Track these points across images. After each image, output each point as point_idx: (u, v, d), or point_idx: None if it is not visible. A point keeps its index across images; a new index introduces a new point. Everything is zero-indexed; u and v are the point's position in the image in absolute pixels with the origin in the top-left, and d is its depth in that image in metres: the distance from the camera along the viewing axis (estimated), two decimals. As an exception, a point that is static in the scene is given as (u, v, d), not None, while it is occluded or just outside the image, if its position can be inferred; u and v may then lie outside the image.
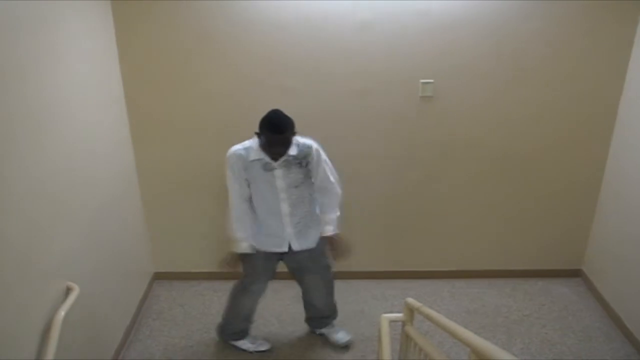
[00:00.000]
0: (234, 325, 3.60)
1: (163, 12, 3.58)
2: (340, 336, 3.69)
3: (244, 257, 3.25)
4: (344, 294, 4.22)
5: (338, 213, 3.27)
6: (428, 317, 2.51)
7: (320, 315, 3.69)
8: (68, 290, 2.75)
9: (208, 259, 4.35)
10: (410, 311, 2.80)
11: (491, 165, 4.07)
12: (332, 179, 3.18)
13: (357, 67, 3.74)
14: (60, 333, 2.47)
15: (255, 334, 3.72)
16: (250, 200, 3.15)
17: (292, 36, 3.64)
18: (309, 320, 3.78)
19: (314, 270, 3.43)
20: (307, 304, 3.67)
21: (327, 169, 3.15)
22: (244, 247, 3.16)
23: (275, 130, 2.83)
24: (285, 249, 3.24)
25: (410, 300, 2.79)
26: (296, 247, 3.24)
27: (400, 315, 2.89)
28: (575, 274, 4.47)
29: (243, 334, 3.64)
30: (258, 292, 3.47)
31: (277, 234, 3.21)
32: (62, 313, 2.54)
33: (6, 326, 2.24)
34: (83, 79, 3.09)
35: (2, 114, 2.22)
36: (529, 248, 4.40)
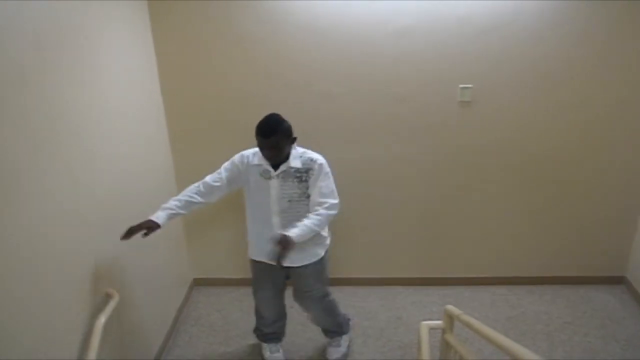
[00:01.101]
0: (261, 326, 3.60)
1: (199, 15, 3.62)
2: (332, 351, 3.62)
3: (251, 266, 3.32)
4: (382, 300, 4.23)
5: (311, 226, 2.90)
6: (468, 325, 2.49)
7: (323, 328, 3.63)
8: (108, 297, 2.79)
9: (245, 265, 4.37)
10: (450, 318, 2.78)
11: (530, 170, 4.02)
12: (325, 198, 2.96)
13: (395, 72, 3.74)
14: (101, 339, 2.50)
15: (292, 340, 3.74)
16: (248, 205, 3.15)
17: (331, 41, 3.66)
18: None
19: (306, 292, 3.32)
20: (314, 323, 3.62)
21: (323, 188, 2.96)
22: (157, 214, 2.91)
23: (261, 133, 2.79)
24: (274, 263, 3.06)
25: (450, 307, 2.76)
26: (286, 262, 2.96)
27: (439, 322, 2.86)
28: (618, 280, 4.38)
29: (269, 337, 3.63)
30: (266, 299, 3.43)
31: (265, 245, 2.97)
32: (102, 319, 2.57)
33: (48, 330, 2.28)
34: (120, 85, 3.13)
35: (38, 122, 2.25)
36: (569, 254, 4.33)
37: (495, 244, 4.32)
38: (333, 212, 2.99)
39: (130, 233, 2.80)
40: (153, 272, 3.58)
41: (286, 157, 2.94)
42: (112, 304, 2.72)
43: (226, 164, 3.12)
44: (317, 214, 2.94)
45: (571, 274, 4.39)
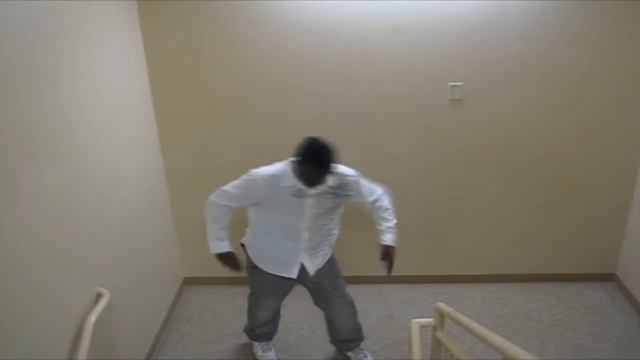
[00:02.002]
0: (253, 326, 3.56)
1: (190, 16, 3.61)
2: None
3: (251, 272, 3.23)
4: (373, 298, 4.23)
5: (394, 221, 3.09)
6: (459, 323, 2.49)
7: (344, 339, 3.55)
8: (99, 296, 2.77)
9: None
10: (441, 316, 2.78)
11: (521, 168, 4.03)
12: (375, 195, 3.08)
13: (386, 71, 3.74)
14: (91, 338, 2.49)
15: (284, 338, 3.74)
16: (265, 222, 3.05)
17: (322, 40, 3.65)
18: (334, 342, 3.64)
19: (330, 290, 3.28)
20: (331, 329, 3.53)
21: (369, 189, 3.06)
22: (223, 245, 3.06)
23: (320, 164, 2.67)
24: (294, 276, 3.12)
25: (440, 305, 2.77)
26: (311, 269, 3.12)
27: (430, 320, 2.87)
28: (608, 278, 4.40)
29: (261, 337, 3.61)
30: (269, 306, 3.39)
31: (286, 259, 3.08)
32: (92, 318, 2.56)
33: (40, 330, 2.27)
34: (111, 86, 3.12)
35: (36, 123, 2.25)
36: (561, 252, 4.34)
37: (487, 242, 4.33)
38: (387, 199, 3.15)
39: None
40: (144, 271, 3.57)
41: None
42: (102, 303, 2.71)
43: (242, 190, 2.92)
44: (384, 210, 3.09)
45: (562, 272, 4.41)
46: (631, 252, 4.16)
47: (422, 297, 4.29)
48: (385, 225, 3.08)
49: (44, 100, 2.34)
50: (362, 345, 3.61)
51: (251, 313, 3.51)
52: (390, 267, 3.12)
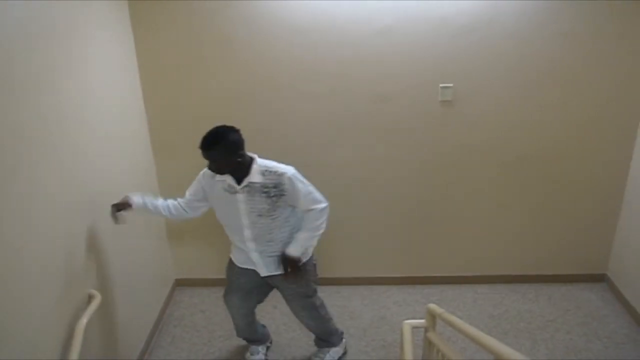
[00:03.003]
0: (236, 325, 3.53)
1: (181, 15, 3.60)
2: None
3: (228, 267, 3.31)
4: (365, 300, 4.23)
5: (309, 233, 2.97)
6: (450, 324, 2.49)
7: (315, 335, 3.57)
8: (90, 298, 2.77)
9: (229, 266, 4.37)
10: (433, 317, 2.78)
11: (512, 169, 4.04)
12: (312, 205, 2.93)
13: (376, 72, 3.74)
14: (82, 340, 2.48)
15: (275, 339, 3.76)
16: (219, 218, 3.10)
17: (311, 41, 3.65)
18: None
19: (289, 296, 3.29)
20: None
21: (306, 197, 2.91)
22: (133, 198, 3.07)
23: (200, 146, 2.74)
24: (253, 267, 3.14)
25: (432, 306, 2.77)
26: (263, 272, 3.12)
27: (422, 321, 2.87)
28: (599, 278, 4.41)
29: (250, 340, 3.61)
30: (233, 305, 3.36)
31: (245, 255, 3.11)
32: (84, 321, 2.55)
33: (30, 333, 2.26)
34: (102, 84, 3.12)
35: (24, 124, 2.24)
36: (552, 253, 4.35)
37: (478, 243, 4.34)
38: (323, 217, 2.98)
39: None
40: (135, 272, 3.56)
41: (248, 171, 2.86)
42: (94, 305, 2.70)
43: (192, 187, 3.11)
44: (307, 220, 2.97)
45: (553, 273, 4.42)
46: (622, 253, 4.17)
47: (413, 298, 4.29)
48: (297, 235, 3.00)
49: (39, 100, 2.34)
50: (349, 345, 3.67)
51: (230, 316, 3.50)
52: (288, 275, 3.06)
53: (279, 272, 3.08)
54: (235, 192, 2.87)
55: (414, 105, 3.83)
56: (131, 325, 3.50)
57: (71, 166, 2.67)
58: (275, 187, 2.85)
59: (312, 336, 3.60)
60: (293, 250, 2.97)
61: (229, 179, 2.86)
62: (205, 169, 2.95)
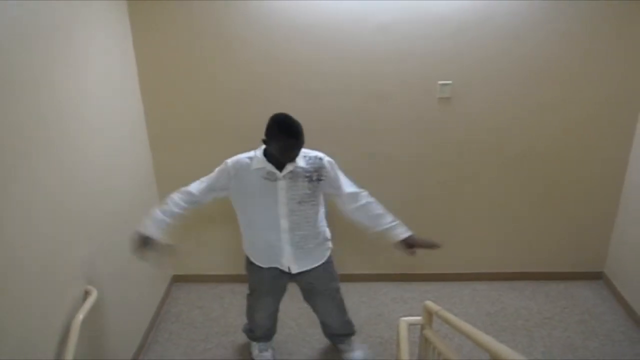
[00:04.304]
0: (252, 327, 3.53)
1: (180, 14, 3.60)
2: (356, 356, 3.55)
3: (250, 270, 3.19)
4: (362, 297, 4.23)
5: (376, 207, 3.03)
6: (447, 321, 2.49)
7: (335, 333, 3.56)
8: (86, 294, 2.76)
9: (226, 262, 4.37)
10: (429, 314, 2.78)
11: (510, 167, 4.04)
12: (356, 187, 3.00)
13: (375, 69, 3.73)
14: (79, 336, 2.48)
15: (277, 339, 3.73)
16: (247, 214, 3.00)
17: (310, 38, 3.64)
18: (327, 335, 3.65)
19: (321, 292, 3.26)
20: (322, 324, 3.54)
21: (345, 179, 2.99)
22: (148, 227, 2.86)
23: (290, 134, 2.63)
24: (285, 268, 3.08)
25: (429, 303, 2.77)
26: (294, 269, 3.06)
27: (418, 318, 2.86)
28: (597, 276, 4.42)
29: (260, 338, 3.58)
30: (266, 308, 3.35)
31: (275, 251, 3.01)
32: (80, 317, 2.55)
33: (26, 330, 2.26)
34: (100, 83, 3.11)
35: (18, 123, 2.23)
36: (549, 250, 4.36)
37: (476, 241, 4.34)
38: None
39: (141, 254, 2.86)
40: (132, 268, 3.54)
41: None
42: (90, 301, 2.70)
43: (216, 174, 2.94)
44: (371, 206, 3.02)
45: (551, 270, 4.42)
46: (619, 251, 4.17)
47: (410, 295, 4.29)
48: (386, 222, 3.02)
49: (38, 99, 2.34)
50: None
51: (249, 314, 3.47)
52: (425, 247, 3.12)
53: (312, 266, 3.09)
54: (276, 179, 2.81)
55: (412, 103, 3.82)
56: (128, 321, 3.50)
57: (70, 165, 2.67)
58: (316, 171, 2.86)
59: (308, 333, 3.59)
60: (401, 234, 3.04)
61: (268, 166, 2.79)
62: (231, 161, 2.89)
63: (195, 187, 2.97)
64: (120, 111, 3.42)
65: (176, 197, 2.97)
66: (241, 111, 3.85)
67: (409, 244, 3.03)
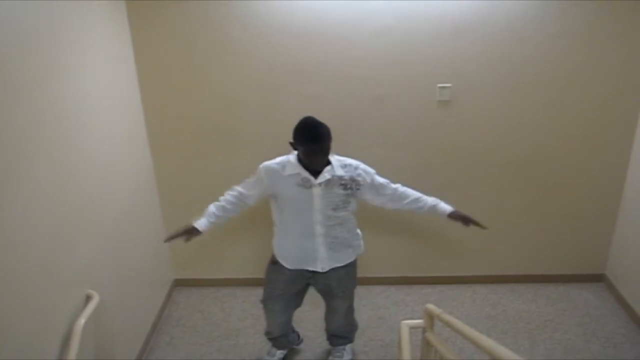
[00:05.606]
0: (271, 332, 3.47)
1: (179, 15, 3.60)
2: None
3: (271, 268, 3.18)
4: (364, 300, 4.22)
5: (418, 195, 3.15)
6: (448, 324, 2.49)
7: (333, 333, 3.55)
8: (88, 298, 2.76)
9: (228, 266, 4.38)
10: (431, 317, 2.78)
11: (510, 169, 4.04)
12: (392, 187, 3.07)
13: (374, 72, 3.73)
14: (80, 340, 2.48)
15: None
16: (282, 217, 2.99)
17: (309, 42, 3.65)
18: (327, 333, 3.61)
19: (339, 294, 3.24)
20: (326, 319, 3.52)
21: (382, 180, 3.04)
22: (202, 222, 2.97)
23: (312, 139, 2.64)
24: (318, 269, 3.06)
25: (430, 306, 2.76)
26: (325, 266, 3.05)
27: (420, 321, 2.86)
28: (597, 278, 4.41)
29: (278, 343, 3.53)
30: (278, 311, 3.31)
31: (309, 254, 3.01)
32: (82, 321, 2.55)
33: (28, 334, 2.26)
34: (99, 84, 3.11)
35: (16, 125, 2.23)
36: (550, 253, 4.36)
37: (477, 243, 4.33)
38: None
39: (172, 237, 2.98)
40: (134, 272, 3.55)
41: (326, 163, 2.82)
42: (92, 305, 2.70)
43: (250, 181, 2.98)
44: (410, 196, 3.14)
45: (552, 273, 4.42)
46: (620, 253, 4.17)
47: (412, 298, 4.29)
48: (431, 203, 3.17)
49: (36, 101, 2.34)
50: (351, 346, 3.64)
51: (266, 319, 3.42)
52: (471, 221, 3.21)
53: (342, 264, 3.10)
54: (311, 186, 2.80)
55: (411, 106, 3.83)
56: (129, 325, 3.50)
57: (70, 168, 2.66)
58: (352, 179, 2.87)
59: (309, 336, 3.59)
60: (447, 207, 3.19)
61: (303, 173, 2.78)
62: (262, 167, 2.90)
63: (242, 184, 3.05)
64: (120, 113, 3.42)
65: (228, 194, 3.07)
66: (241, 115, 3.85)
67: (461, 217, 3.16)
